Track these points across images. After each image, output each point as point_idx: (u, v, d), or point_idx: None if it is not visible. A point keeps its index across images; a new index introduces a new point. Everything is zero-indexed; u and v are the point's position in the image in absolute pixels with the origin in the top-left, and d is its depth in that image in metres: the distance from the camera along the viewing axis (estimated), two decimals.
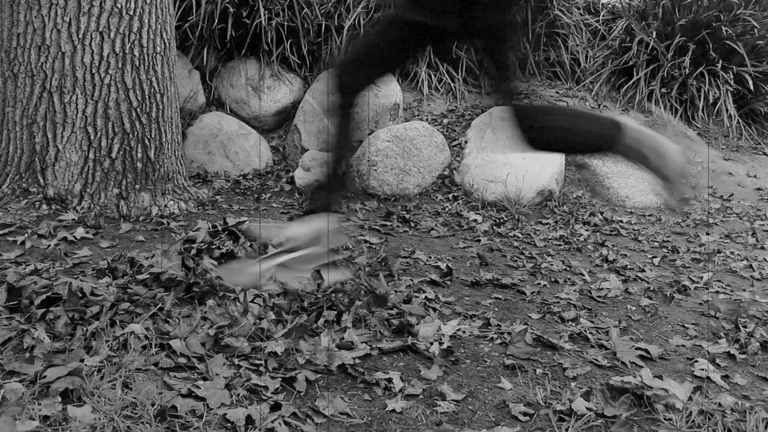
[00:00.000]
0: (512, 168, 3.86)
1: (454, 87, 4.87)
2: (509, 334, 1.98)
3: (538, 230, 3.44)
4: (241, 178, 3.93)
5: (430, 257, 2.75)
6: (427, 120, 4.52)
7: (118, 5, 2.76)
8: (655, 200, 4.23)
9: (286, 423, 1.42)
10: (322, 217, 2.18)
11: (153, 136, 2.92)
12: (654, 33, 5.43)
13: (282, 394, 1.53)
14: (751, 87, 5.32)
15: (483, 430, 1.51)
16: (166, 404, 1.39)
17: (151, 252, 2.22)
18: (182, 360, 1.60)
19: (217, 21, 4.19)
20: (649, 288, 2.68)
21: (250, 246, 2.27)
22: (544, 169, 3.91)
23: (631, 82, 5.48)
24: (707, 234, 3.76)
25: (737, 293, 2.74)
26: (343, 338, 1.80)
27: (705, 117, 5.46)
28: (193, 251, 2.08)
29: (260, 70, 4.43)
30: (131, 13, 2.80)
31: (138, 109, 2.86)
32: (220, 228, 2.37)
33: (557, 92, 5.41)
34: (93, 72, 2.76)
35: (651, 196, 4.22)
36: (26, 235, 2.44)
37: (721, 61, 5.34)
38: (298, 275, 2.06)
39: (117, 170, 2.83)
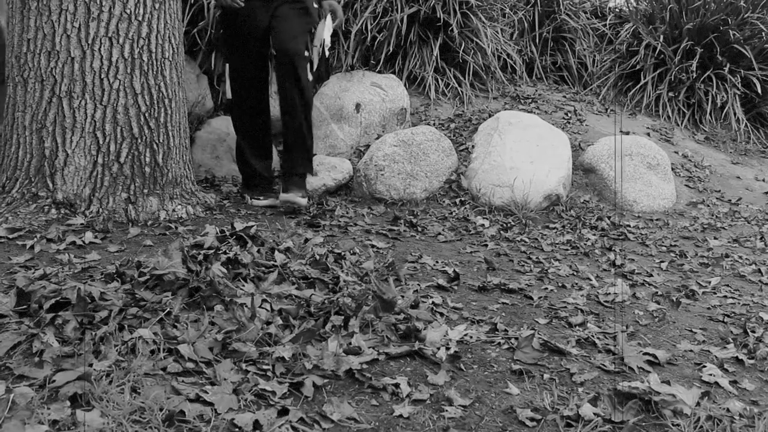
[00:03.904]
0: (519, 172, 3.85)
1: (461, 91, 4.87)
2: (516, 339, 1.98)
3: (545, 235, 3.44)
4: None
5: (437, 262, 2.75)
6: (434, 124, 4.53)
7: (127, 11, 2.78)
8: (663, 204, 4.22)
9: (294, 428, 1.42)
10: None
11: (161, 140, 2.94)
12: (661, 37, 5.42)
13: (289, 399, 1.54)
14: (759, 91, 5.31)
15: None
16: (174, 409, 1.39)
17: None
18: (190, 365, 1.61)
19: None
20: (657, 293, 2.67)
21: (258, 251, 2.28)
22: (551, 174, 3.91)
23: (638, 86, 5.48)
24: (715, 238, 3.75)
25: (745, 298, 2.73)
26: (350, 343, 1.80)
27: (713, 121, 5.44)
28: (201, 256, 2.09)
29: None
30: (140, 18, 2.81)
31: (146, 114, 2.88)
32: (228, 233, 2.37)
33: (564, 96, 5.40)
34: (102, 77, 2.78)
35: (659, 200, 4.21)
36: (35, 239, 2.45)
37: (728, 65, 5.33)
38: None
39: (125, 175, 2.84)
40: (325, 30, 3.54)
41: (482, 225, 3.48)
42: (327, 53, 3.59)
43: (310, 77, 3.42)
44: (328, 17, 3.58)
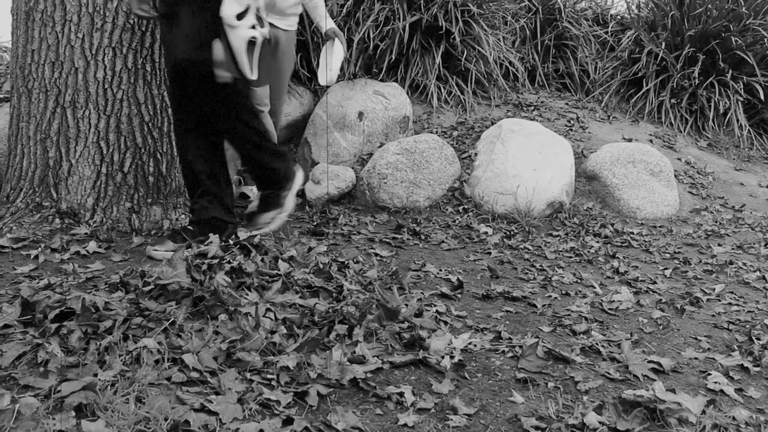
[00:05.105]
0: (522, 180, 3.86)
1: (464, 99, 4.88)
2: (520, 347, 1.98)
3: (548, 242, 3.44)
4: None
5: (440, 270, 2.75)
6: (436, 132, 4.53)
7: (131, 21, 2.79)
8: (666, 211, 4.22)
9: None
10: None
11: (165, 150, 2.94)
12: (663, 44, 5.43)
13: (294, 408, 1.54)
14: (762, 97, 5.31)
15: None
16: (179, 419, 1.39)
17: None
18: (195, 374, 1.61)
19: None
20: (661, 300, 2.66)
21: (261, 260, 2.28)
22: (554, 181, 3.91)
23: (640, 93, 5.48)
24: (719, 245, 3.74)
25: (750, 305, 2.72)
26: (354, 352, 1.80)
27: (715, 127, 5.44)
28: (205, 266, 2.09)
29: None
30: (143, 29, 2.82)
31: (150, 124, 2.89)
32: (231, 242, 2.38)
33: (566, 104, 5.41)
34: (106, 87, 2.79)
35: (662, 207, 4.21)
36: (39, 249, 2.46)
37: (730, 71, 5.33)
38: None
39: (129, 184, 2.85)
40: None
41: (485, 233, 3.48)
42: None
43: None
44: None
